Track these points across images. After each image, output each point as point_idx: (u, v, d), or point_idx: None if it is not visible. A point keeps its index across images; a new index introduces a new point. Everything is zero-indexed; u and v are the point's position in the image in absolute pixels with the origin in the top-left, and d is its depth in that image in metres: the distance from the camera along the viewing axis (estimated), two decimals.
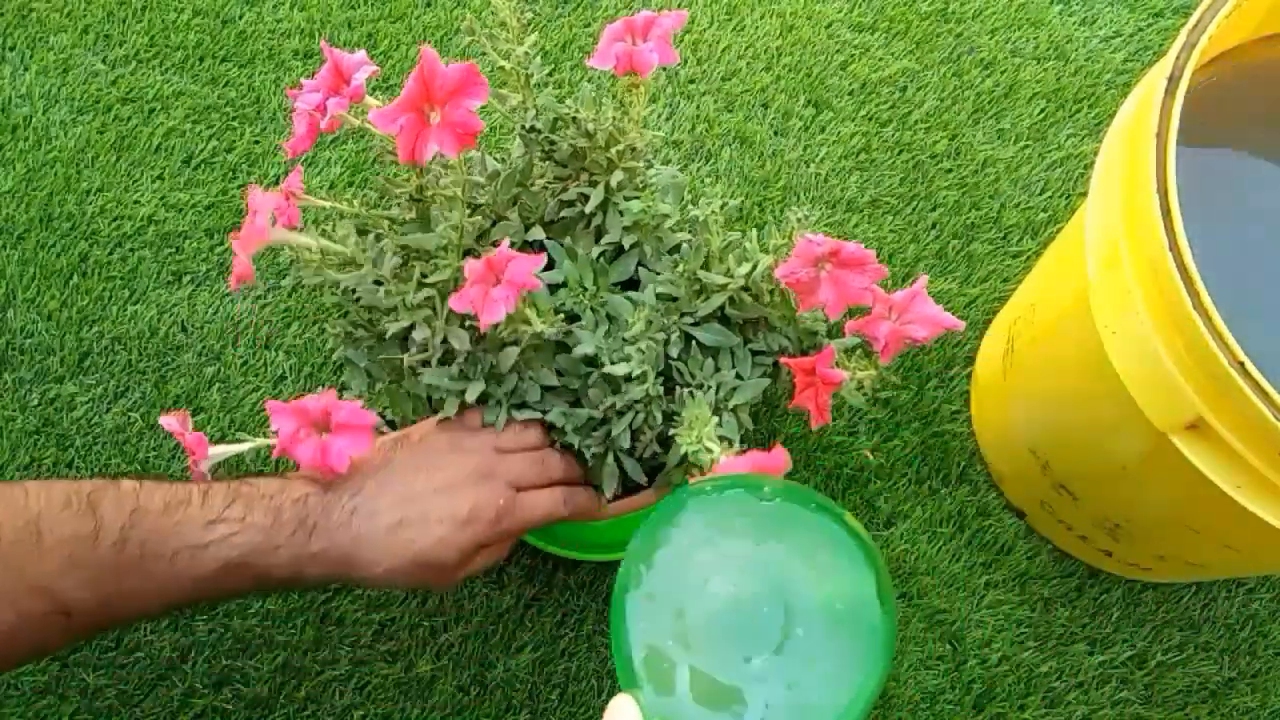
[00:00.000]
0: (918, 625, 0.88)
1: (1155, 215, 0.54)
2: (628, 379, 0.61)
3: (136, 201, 1.00)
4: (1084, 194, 0.94)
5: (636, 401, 0.61)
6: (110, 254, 0.99)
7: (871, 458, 0.93)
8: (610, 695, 0.85)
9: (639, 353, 0.59)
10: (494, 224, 0.67)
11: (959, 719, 0.85)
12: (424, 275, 0.61)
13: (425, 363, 0.63)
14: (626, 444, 0.63)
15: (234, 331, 0.96)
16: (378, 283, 0.62)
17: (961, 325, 0.56)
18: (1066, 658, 0.87)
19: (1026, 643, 0.87)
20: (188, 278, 0.98)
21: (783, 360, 0.60)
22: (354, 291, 0.64)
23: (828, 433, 0.93)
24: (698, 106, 1.05)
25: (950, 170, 1.03)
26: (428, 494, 0.59)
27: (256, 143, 1.03)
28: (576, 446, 0.64)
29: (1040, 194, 1.02)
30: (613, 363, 0.60)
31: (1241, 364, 0.51)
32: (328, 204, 0.63)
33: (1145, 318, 0.57)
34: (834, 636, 0.35)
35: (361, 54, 0.58)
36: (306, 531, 0.57)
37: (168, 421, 0.62)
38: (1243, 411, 0.53)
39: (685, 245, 0.65)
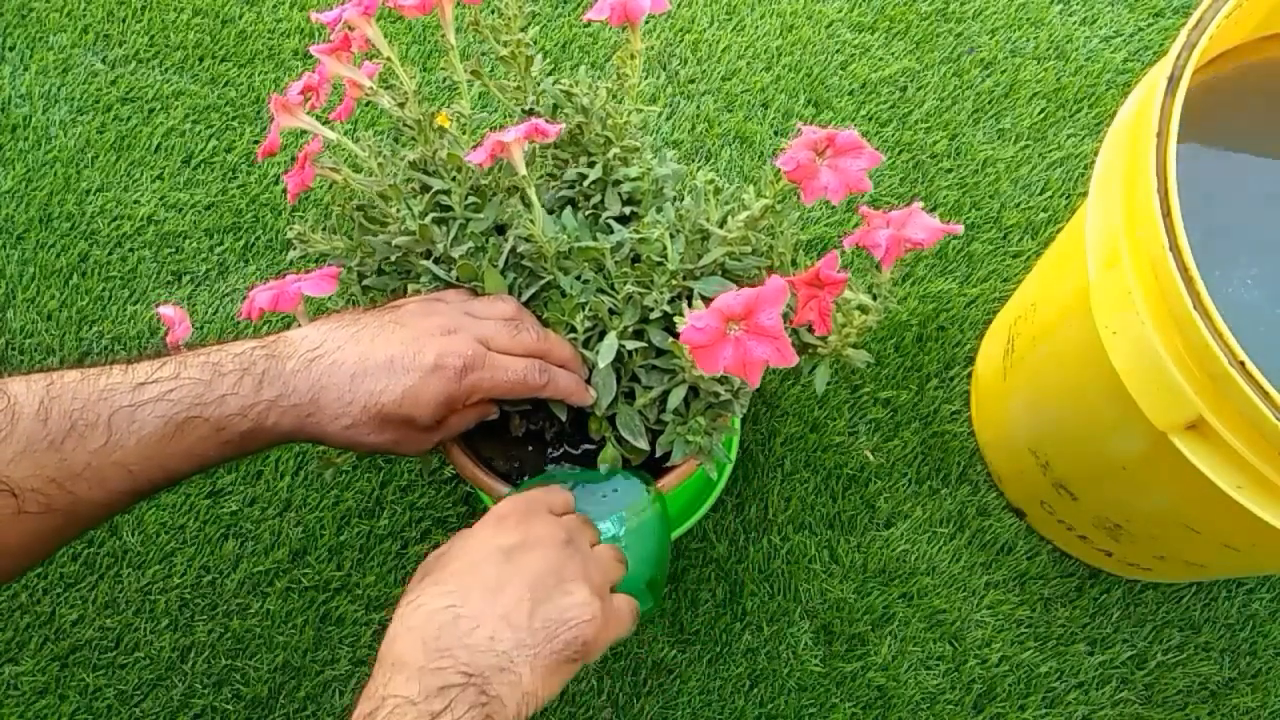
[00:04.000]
0: (918, 625, 0.88)
1: (1155, 215, 0.54)
2: (642, 244, 0.60)
3: (136, 201, 1.00)
4: (1084, 194, 0.94)
5: (654, 270, 0.60)
6: (110, 254, 0.99)
7: (871, 458, 0.93)
8: (610, 697, 0.85)
9: (660, 226, 0.59)
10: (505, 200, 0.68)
11: (959, 719, 0.85)
12: (432, 194, 0.62)
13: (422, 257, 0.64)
14: (633, 287, 0.61)
15: (234, 331, 0.96)
16: (384, 198, 0.63)
17: (960, 229, 0.55)
18: (1066, 658, 0.87)
19: (1026, 643, 0.87)
20: (188, 278, 0.98)
21: (786, 280, 0.59)
22: (365, 210, 0.64)
23: (828, 432, 0.93)
24: (698, 106, 1.05)
25: (950, 170, 1.03)
26: (393, 344, 0.57)
27: (256, 142, 1.03)
28: (578, 331, 0.63)
29: (1040, 194, 1.02)
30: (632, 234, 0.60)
31: (1241, 364, 0.51)
32: (336, 135, 0.64)
33: (1145, 317, 0.57)
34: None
35: None
36: (255, 379, 0.54)
37: (164, 311, 0.61)
38: (1243, 411, 0.53)
39: (687, 205, 0.65)
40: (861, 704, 0.85)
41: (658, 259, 0.61)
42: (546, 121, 0.56)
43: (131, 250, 0.99)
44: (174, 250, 0.99)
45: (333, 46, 0.60)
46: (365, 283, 0.67)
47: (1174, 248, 0.53)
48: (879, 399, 0.94)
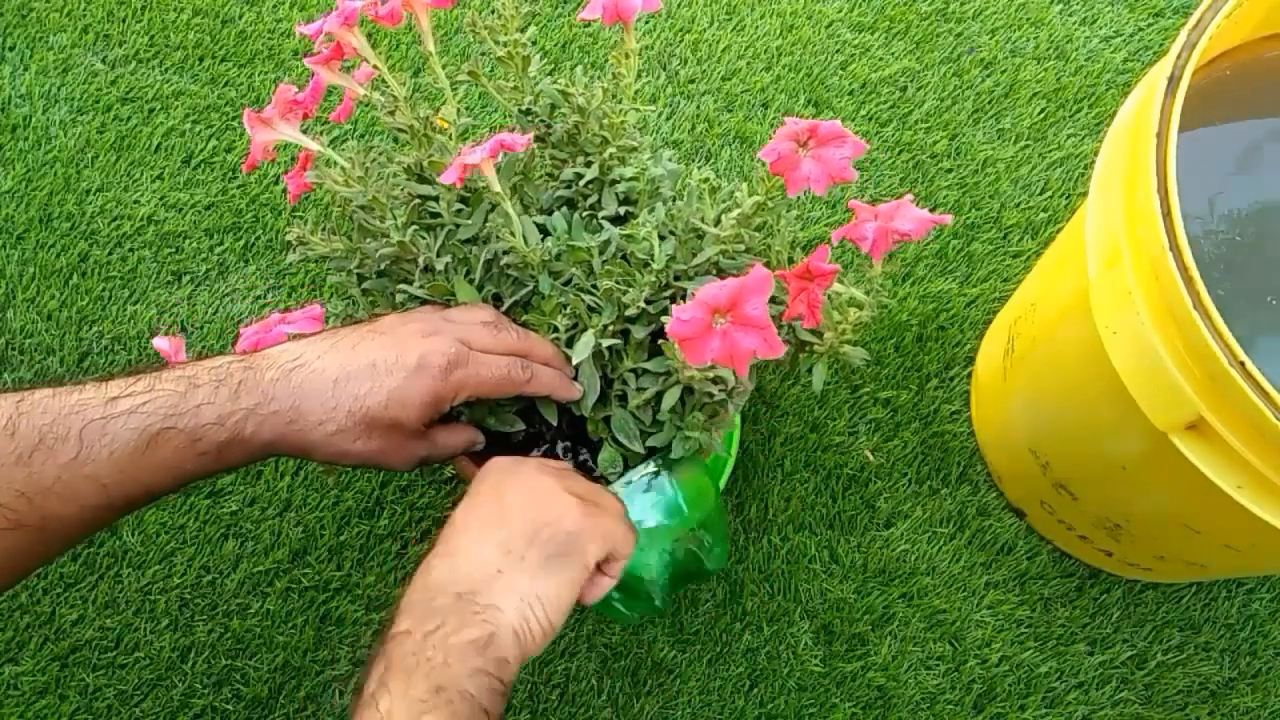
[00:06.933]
0: (918, 625, 0.88)
1: (1155, 215, 0.54)
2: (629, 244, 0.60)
3: (136, 201, 1.00)
4: (1084, 194, 0.94)
5: (642, 268, 0.60)
6: (110, 254, 0.99)
7: (871, 458, 0.93)
8: (609, 697, 0.85)
9: (648, 231, 0.59)
10: (493, 207, 0.67)
11: (959, 719, 0.85)
12: (419, 201, 0.62)
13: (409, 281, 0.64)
14: (612, 282, 0.61)
15: (234, 331, 0.96)
16: (370, 208, 0.63)
17: (949, 220, 0.55)
18: (1066, 658, 0.87)
19: (1026, 643, 0.87)
20: (187, 278, 0.98)
21: (777, 274, 0.59)
22: (356, 216, 0.64)
23: (828, 432, 0.93)
24: (698, 106, 1.05)
25: (950, 170, 1.02)
26: (375, 349, 0.56)
27: None
28: (560, 331, 0.63)
29: (1040, 194, 1.02)
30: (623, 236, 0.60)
31: (1241, 364, 0.51)
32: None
33: (1145, 317, 0.57)
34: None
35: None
36: (231, 389, 0.54)
37: (159, 343, 0.61)
38: (1243, 411, 0.53)
39: (679, 205, 0.65)
40: (861, 704, 0.85)
41: (644, 258, 0.60)
42: (515, 133, 0.56)
43: (131, 250, 0.99)
44: (174, 250, 0.99)
45: (325, 56, 0.60)
46: (365, 285, 0.67)
47: (1174, 248, 0.53)
48: (879, 399, 0.94)
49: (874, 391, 0.94)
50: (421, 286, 0.64)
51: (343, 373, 0.55)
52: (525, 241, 0.61)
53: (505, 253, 0.62)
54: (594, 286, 0.63)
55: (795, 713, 0.85)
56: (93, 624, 0.86)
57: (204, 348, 0.95)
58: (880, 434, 0.93)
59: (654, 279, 0.60)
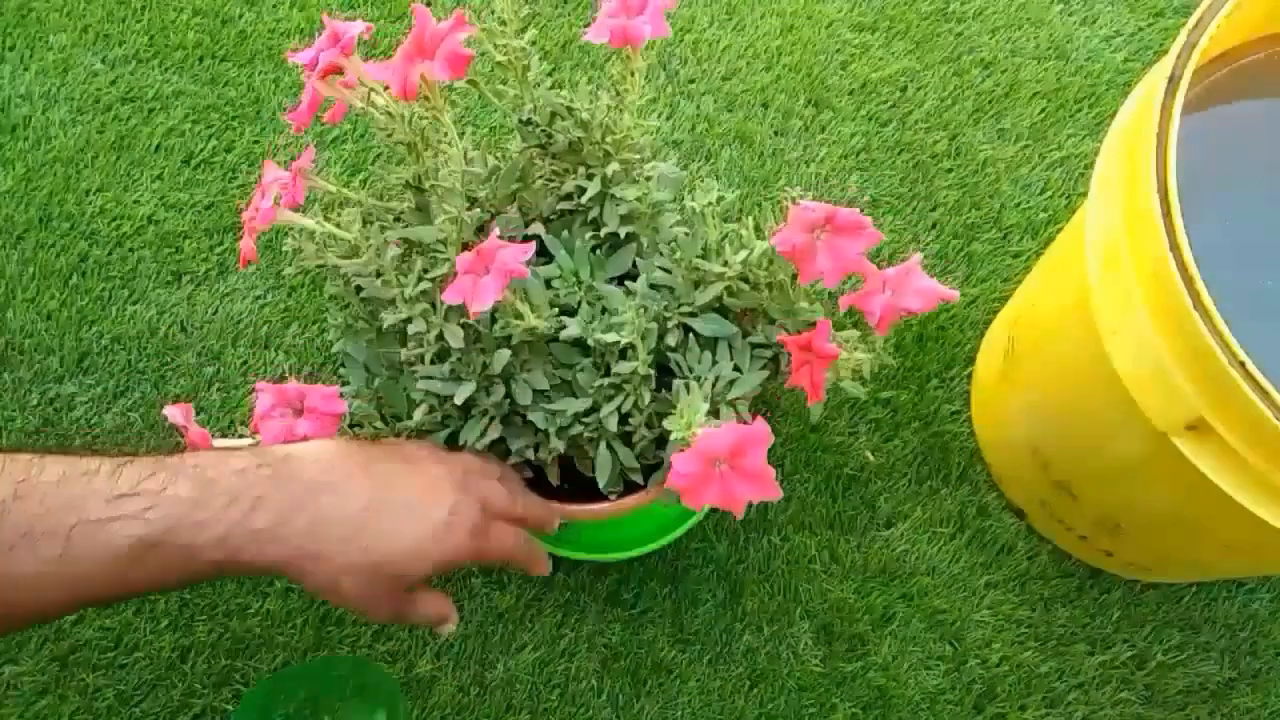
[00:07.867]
0: (918, 625, 0.88)
1: (1155, 215, 0.54)
2: (620, 355, 0.60)
3: (136, 201, 1.00)
4: (1084, 194, 0.94)
5: (625, 381, 0.60)
6: (110, 254, 0.99)
7: (871, 458, 0.92)
8: (609, 697, 0.85)
9: (630, 324, 0.59)
10: (493, 217, 0.67)
11: (959, 719, 0.85)
12: (424, 270, 0.61)
13: (420, 359, 0.63)
14: (614, 427, 0.61)
15: (234, 331, 0.96)
16: (378, 274, 0.62)
17: (956, 295, 0.55)
18: (1067, 658, 0.87)
19: (1027, 643, 0.87)
20: (187, 278, 0.98)
21: (779, 338, 0.60)
22: (355, 281, 0.64)
23: (828, 432, 0.93)
24: (698, 106, 1.05)
25: (950, 170, 1.02)
26: (407, 488, 0.54)
27: (256, 142, 1.03)
28: (564, 449, 0.63)
29: (1040, 194, 1.01)
30: (602, 333, 0.60)
31: (1242, 364, 0.51)
32: (334, 188, 0.63)
33: (1145, 318, 0.57)
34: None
35: (358, 23, 0.59)
36: (246, 505, 0.50)
37: (171, 412, 0.59)
38: (1243, 411, 0.53)
39: (682, 235, 0.65)
40: (861, 704, 0.85)
41: (624, 348, 0.60)
42: (515, 241, 0.56)
43: (131, 250, 0.99)
44: (174, 250, 0.99)
45: (324, 69, 0.59)
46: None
47: (1174, 248, 0.53)
48: (879, 399, 0.94)
49: (874, 391, 0.94)
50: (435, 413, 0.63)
51: (371, 503, 0.53)
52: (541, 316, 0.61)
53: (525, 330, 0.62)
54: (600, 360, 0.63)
55: (795, 713, 0.85)
56: (93, 624, 0.86)
57: (204, 348, 0.95)
58: (880, 434, 0.93)
59: (638, 387, 0.60)
